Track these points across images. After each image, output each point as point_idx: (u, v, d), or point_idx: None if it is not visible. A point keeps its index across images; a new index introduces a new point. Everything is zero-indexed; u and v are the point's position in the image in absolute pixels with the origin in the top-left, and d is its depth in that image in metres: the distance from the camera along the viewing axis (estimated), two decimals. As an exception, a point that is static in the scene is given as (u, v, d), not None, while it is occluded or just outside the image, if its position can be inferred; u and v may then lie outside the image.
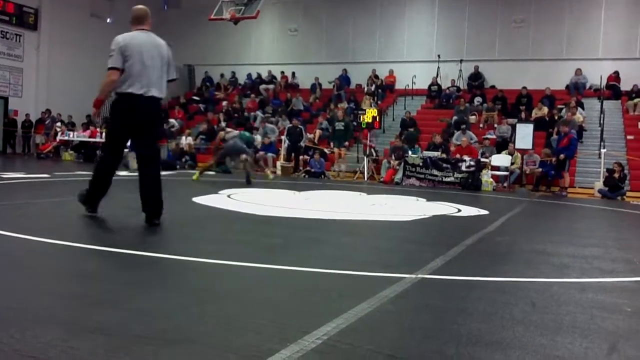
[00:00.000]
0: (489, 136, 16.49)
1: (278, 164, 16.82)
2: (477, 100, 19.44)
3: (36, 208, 6.35)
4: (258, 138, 16.35)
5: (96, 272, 3.37)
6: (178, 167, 16.68)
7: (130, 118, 5.24)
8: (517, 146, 14.94)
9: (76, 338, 2.15)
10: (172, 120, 21.22)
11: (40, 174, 11.12)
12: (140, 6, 5.49)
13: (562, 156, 13.74)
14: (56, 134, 20.52)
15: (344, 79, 22.43)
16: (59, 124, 21.15)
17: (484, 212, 8.39)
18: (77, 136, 19.96)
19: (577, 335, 2.53)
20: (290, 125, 17.57)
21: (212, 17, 18.40)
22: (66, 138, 20.01)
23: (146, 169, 5.31)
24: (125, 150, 8.88)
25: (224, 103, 22.15)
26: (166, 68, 5.37)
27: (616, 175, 13.30)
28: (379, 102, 20.40)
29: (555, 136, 14.98)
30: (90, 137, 19.67)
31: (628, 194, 13.54)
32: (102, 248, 3.91)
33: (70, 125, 21.39)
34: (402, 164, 14.90)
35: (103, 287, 2.97)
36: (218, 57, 25.19)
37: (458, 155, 14.83)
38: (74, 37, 23.44)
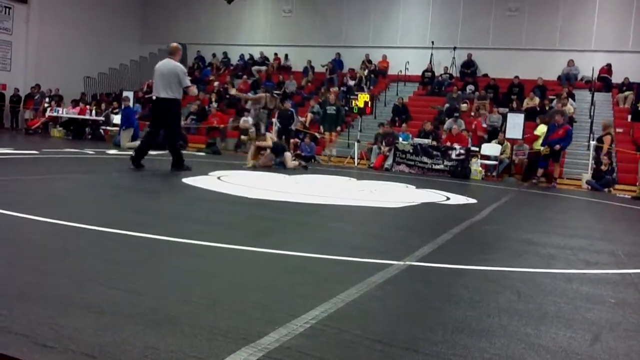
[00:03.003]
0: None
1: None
2: (469, 88, 19.45)
3: (24, 185, 6.31)
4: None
5: (84, 250, 3.36)
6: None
7: (152, 111, 9.62)
8: (507, 136, 14.98)
9: (64, 316, 2.15)
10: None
11: (28, 150, 11.02)
12: (173, 43, 9.35)
13: (557, 147, 13.77)
14: (45, 109, 20.29)
15: (337, 63, 22.32)
16: (48, 99, 20.91)
17: (473, 200, 8.44)
18: (67, 113, 19.76)
19: (561, 325, 2.57)
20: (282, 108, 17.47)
21: (205, -5, 18.20)
22: (55, 114, 19.80)
23: (166, 142, 9.24)
24: (123, 129, 12.11)
25: (216, 83, 22.01)
26: (176, 80, 8.70)
27: (604, 167, 13.40)
28: (371, 87, 20.36)
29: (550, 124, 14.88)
30: (79, 114, 19.49)
31: (616, 186, 13.65)
32: (90, 227, 3.89)
33: (58, 99, 21.17)
34: (393, 150, 14.92)
35: (90, 266, 2.97)
36: (210, 36, 24.97)
37: (448, 143, 14.87)
38: (65, 11, 23.14)
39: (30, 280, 2.63)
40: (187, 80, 8.92)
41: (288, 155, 12.06)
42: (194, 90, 9.69)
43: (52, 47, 22.71)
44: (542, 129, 14.80)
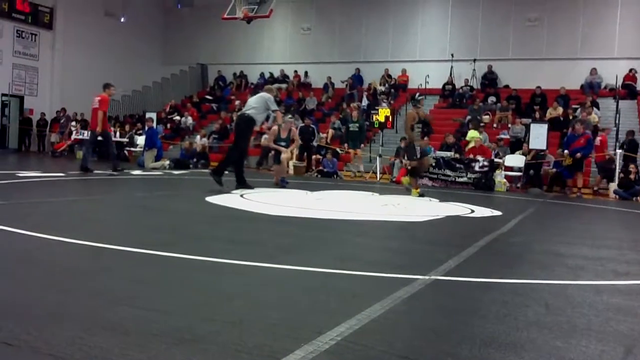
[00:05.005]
0: (502, 136, 16.38)
1: (290, 163, 16.82)
2: (491, 99, 19.33)
3: (51, 207, 6.41)
4: None
5: (110, 270, 3.40)
6: (191, 166, 16.76)
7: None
8: (531, 146, 14.83)
9: (92, 335, 2.17)
10: (186, 119, 21.39)
11: (55, 173, 11.22)
12: (268, 85, 11.95)
13: (578, 155, 13.60)
14: (71, 132, 20.70)
15: (357, 79, 22.40)
16: (73, 123, 21.33)
17: (498, 212, 8.34)
18: (92, 135, 20.08)
19: (592, 338, 2.51)
20: (303, 124, 17.57)
21: (225, 16, 18.43)
22: (81, 137, 20.17)
23: (230, 150, 10.15)
24: (146, 150, 12.59)
25: (237, 102, 22.23)
26: (261, 103, 9.55)
27: (632, 176, 13.16)
28: (392, 101, 20.35)
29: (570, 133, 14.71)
30: (104, 136, 19.79)
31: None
32: (115, 247, 3.94)
33: (83, 123, 21.56)
34: (415, 164, 14.83)
35: (117, 285, 2.99)
36: (231, 56, 25.27)
37: (471, 156, 14.75)
38: (89, 36, 23.66)
39: (58, 301, 2.66)
40: (274, 106, 9.78)
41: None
42: (280, 117, 10.35)
43: (77, 72, 23.19)
44: (472, 134, 15.34)
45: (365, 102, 20.57)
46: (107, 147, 12.70)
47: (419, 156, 10.03)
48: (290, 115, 12.77)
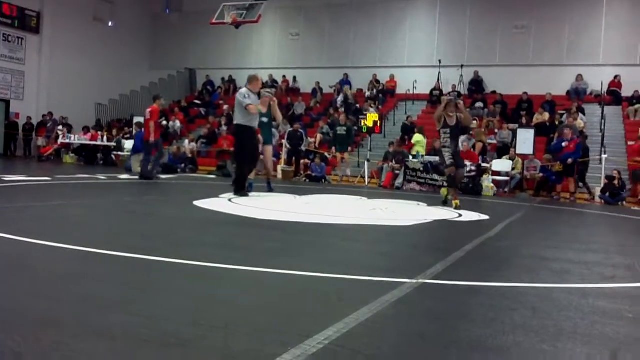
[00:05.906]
0: (490, 141, 16.49)
1: (279, 168, 16.82)
2: (478, 105, 19.45)
3: (37, 211, 6.35)
4: None
5: (96, 275, 3.36)
6: (179, 170, 16.70)
7: None
8: (518, 151, 14.95)
9: (78, 341, 2.15)
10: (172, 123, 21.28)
11: (41, 177, 11.12)
12: (251, 73, 9.99)
13: (570, 160, 13.75)
14: (57, 137, 20.56)
15: (345, 84, 22.47)
16: (60, 127, 21.19)
17: (485, 217, 8.39)
18: (78, 139, 19.99)
19: (577, 341, 2.53)
20: (291, 129, 17.58)
21: (213, 21, 18.44)
22: (67, 141, 20.04)
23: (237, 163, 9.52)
24: (133, 154, 11.70)
25: (225, 107, 22.20)
26: (240, 105, 9.05)
27: (616, 182, 13.30)
28: (380, 106, 20.43)
29: (557, 139, 14.89)
30: (90, 140, 19.71)
31: (628, 199, 13.54)
32: (102, 251, 3.91)
33: (69, 127, 21.45)
34: (403, 168, 14.91)
35: (103, 290, 2.97)
36: (219, 61, 25.26)
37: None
38: (76, 40, 23.55)
39: (43, 306, 2.64)
40: (246, 101, 9.04)
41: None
42: (252, 109, 9.16)
43: (64, 76, 23.07)
44: (417, 138, 16.13)
45: (341, 99, 20.72)
46: (158, 155, 12.69)
47: (448, 163, 9.18)
48: (267, 90, 11.57)
